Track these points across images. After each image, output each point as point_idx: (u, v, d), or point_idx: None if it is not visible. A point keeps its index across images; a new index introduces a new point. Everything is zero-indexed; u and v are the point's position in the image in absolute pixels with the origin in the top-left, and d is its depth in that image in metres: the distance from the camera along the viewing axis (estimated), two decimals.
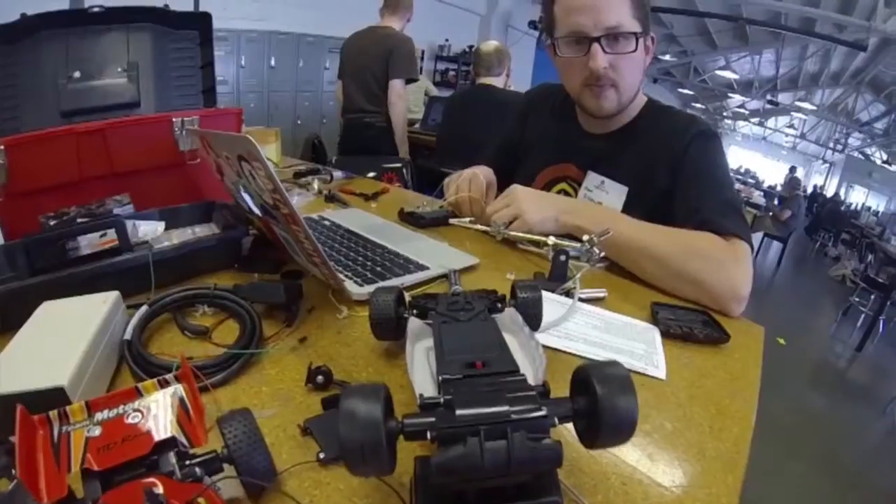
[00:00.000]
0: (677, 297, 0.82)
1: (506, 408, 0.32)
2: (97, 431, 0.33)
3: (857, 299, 5.21)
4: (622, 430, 0.33)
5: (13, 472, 0.32)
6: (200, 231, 0.83)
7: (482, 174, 1.15)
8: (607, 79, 0.94)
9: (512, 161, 1.27)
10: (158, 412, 0.35)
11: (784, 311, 5.49)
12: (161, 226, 0.81)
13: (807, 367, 4.05)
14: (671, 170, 0.98)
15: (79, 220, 0.79)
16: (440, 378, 0.37)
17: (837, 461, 2.77)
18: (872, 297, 5.01)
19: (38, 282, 0.57)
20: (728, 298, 0.79)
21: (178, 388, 0.37)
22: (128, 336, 0.52)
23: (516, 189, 0.98)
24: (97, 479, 0.31)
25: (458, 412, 0.31)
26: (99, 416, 0.35)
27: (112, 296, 0.54)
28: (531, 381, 0.38)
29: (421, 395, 0.34)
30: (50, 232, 0.74)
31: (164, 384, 0.37)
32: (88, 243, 0.74)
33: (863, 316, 4.96)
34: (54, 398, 0.39)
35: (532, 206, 0.94)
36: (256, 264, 0.75)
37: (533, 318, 0.54)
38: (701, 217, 0.88)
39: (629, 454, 0.46)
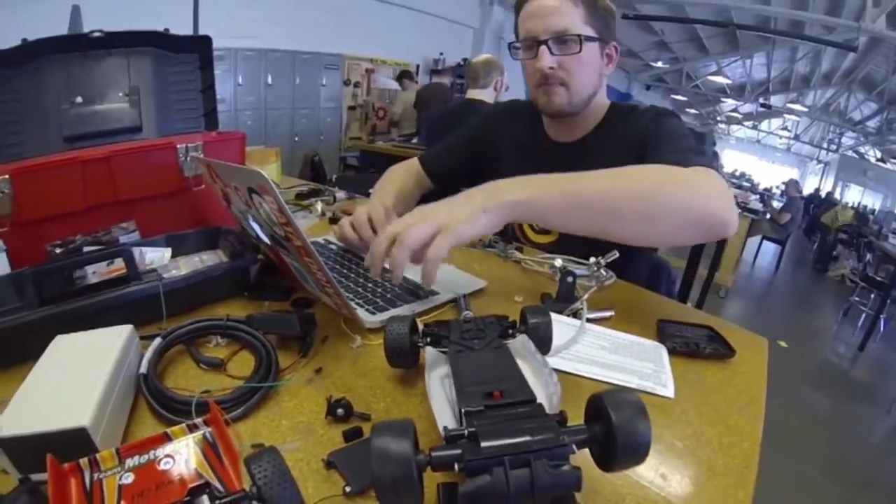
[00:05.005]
0: (667, 245, 0.80)
1: (527, 438, 0.34)
2: (130, 478, 0.33)
3: (857, 299, 5.19)
4: (637, 454, 0.36)
5: None
6: (207, 258, 0.83)
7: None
8: (555, 77, 0.99)
9: (474, 159, 1.26)
10: (190, 457, 0.35)
11: (785, 313, 5.50)
12: (168, 252, 0.81)
13: (810, 369, 4.03)
14: (637, 157, 0.87)
15: (85, 249, 0.79)
16: (462, 410, 0.38)
17: (845, 462, 2.75)
18: (872, 296, 5.00)
19: (51, 313, 0.57)
20: (719, 213, 0.72)
21: (208, 432, 0.37)
22: (143, 370, 0.52)
23: (421, 206, 0.73)
24: None
25: (483, 444, 0.33)
26: (130, 462, 0.35)
27: (126, 329, 0.54)
28: (546, 407, 0.40)
29: (445, 428, 0.36)
30: (57, 261, 0.73)
31: (193, 428, 0.37)
32: (95, 272, 0.74)
33: (864, 315, 4.95)
34: (76, 438, 0.39)
35: (446, 209, 0.69)
36: (266, 292, 0.75)
37: (544, 342, 0.55)
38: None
39: (643, 474, 0.47)
